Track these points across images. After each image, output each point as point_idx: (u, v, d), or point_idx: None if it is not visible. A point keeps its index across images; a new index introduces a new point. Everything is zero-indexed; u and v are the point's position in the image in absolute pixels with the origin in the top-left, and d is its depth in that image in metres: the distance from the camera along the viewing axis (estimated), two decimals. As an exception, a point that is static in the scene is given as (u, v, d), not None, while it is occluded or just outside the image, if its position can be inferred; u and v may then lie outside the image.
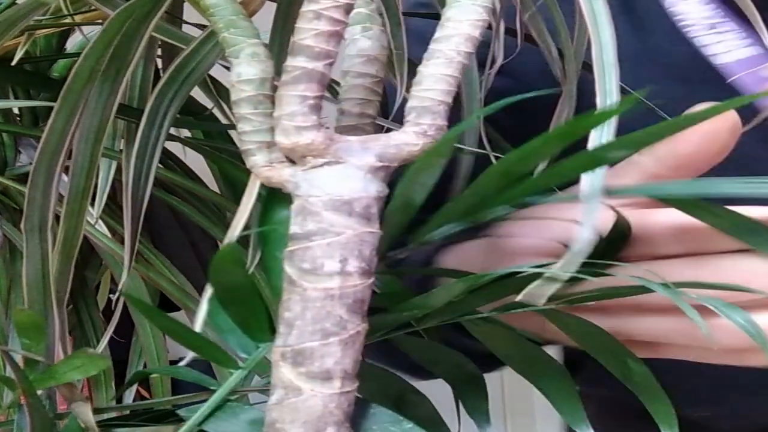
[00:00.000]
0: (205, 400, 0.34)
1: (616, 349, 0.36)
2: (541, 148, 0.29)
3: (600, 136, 0.31)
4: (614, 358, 0.36)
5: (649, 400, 0.35)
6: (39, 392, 0.35)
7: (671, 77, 0.52)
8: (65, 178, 0.37)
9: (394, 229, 0.33)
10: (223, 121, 0.49)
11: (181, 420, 0.33)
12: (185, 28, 0.45)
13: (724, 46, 0.54)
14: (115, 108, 0.34)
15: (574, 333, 0.36)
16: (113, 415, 0.37)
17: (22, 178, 0.50)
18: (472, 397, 0.38)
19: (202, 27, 0.41)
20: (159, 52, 0.43)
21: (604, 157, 0.30)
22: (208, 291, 0.33)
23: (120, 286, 0.42)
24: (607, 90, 0.32)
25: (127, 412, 0.37)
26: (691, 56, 0.54)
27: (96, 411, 0.34)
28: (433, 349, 0.39)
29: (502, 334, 0.37)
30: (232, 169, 0.36)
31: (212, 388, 0.34)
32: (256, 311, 0.33)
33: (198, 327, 0.33)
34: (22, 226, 0.37)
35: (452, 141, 0.30)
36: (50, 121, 0.34)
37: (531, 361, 0.37)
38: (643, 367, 0.35)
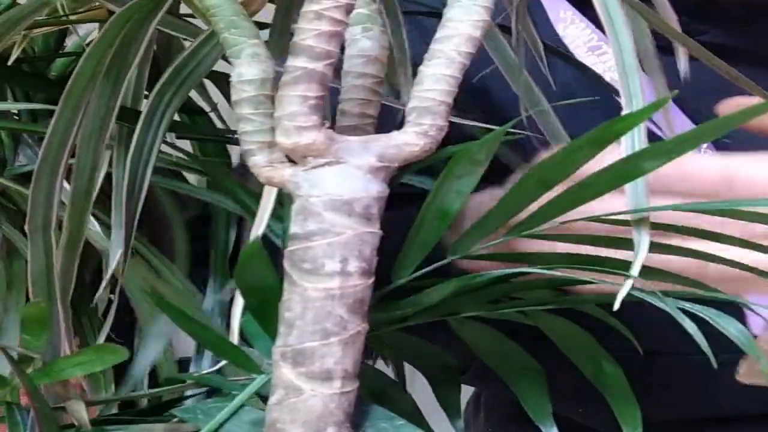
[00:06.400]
0: (184, 397, 0.33)
1: (593, 351, 0.36)
2: (576, 154, 0.30)
3: (632, 144, 0.31)
4: (589, 358, 0.36)
5: (617, 400, 0.35)
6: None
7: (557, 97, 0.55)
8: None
9: (430, 240, 0.33)
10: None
11: (173, 416, 0.33)
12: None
13: (603, 67, 0.59)
14: (117, 109, 0.34)
15: (556, 334, 0.37)
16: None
17: (22, 179, 0.49)
18: (446, 389, 0.39)
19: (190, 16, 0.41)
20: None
21: (640, 168, 0.30)
22: (239, 298, 0.33)
23: (118, 287, 0.42)
24: (632, 92, 0.31)
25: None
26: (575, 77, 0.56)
27: (91, 403, 0.34)
28: (411, 342, 0.39)
29: (483, 332, 0.37)
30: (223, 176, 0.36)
31: (234, 392, 0.34)
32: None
33: (234, 338, 0.33)
34: (26, 227, 0.37)
35: (491, 148, 0.30)
36: (52, 121, 0.34)
37: (508, 359, 0.38)
38: (617, 370, 0.36)
